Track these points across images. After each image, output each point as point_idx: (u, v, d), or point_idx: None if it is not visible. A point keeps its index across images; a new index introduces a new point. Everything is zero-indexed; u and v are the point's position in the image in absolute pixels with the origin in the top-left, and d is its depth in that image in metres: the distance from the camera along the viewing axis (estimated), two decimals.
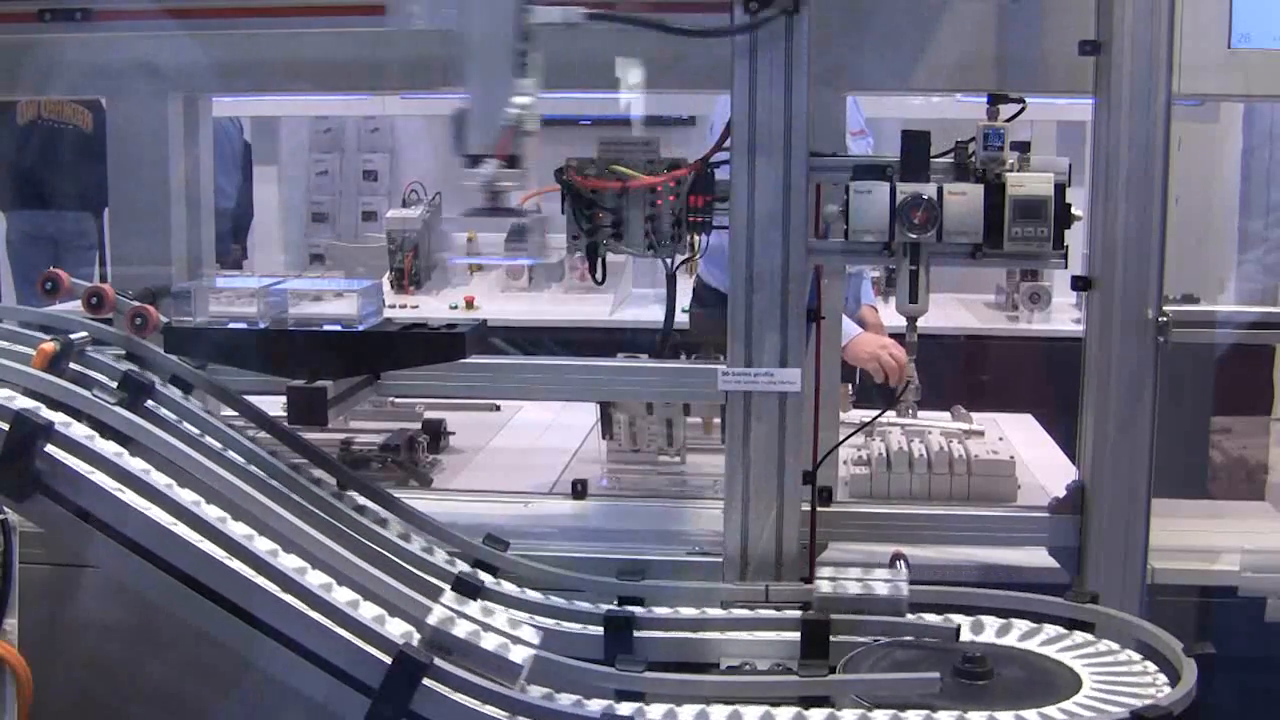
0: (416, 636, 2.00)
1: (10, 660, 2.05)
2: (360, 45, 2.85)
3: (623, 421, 3.16)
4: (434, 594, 2.29)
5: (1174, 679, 2.04)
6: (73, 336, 2.37)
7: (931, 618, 2.28)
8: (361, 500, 2.52)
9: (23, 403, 2.04)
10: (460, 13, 2.27)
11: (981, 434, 3.22)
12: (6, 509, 2.07)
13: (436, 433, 3.43)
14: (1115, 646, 2.20)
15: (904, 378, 3.55)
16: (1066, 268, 2.54)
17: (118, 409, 2.18)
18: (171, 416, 2.37)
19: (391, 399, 3.51)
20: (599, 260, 2.62)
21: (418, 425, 3.44)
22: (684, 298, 3.83)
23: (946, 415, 3.46)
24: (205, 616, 1.97)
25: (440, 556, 2.45)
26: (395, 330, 2.43)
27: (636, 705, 1.97)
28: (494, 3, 2.26)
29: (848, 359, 3.64)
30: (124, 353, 2.49)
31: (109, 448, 2.05)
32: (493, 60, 2.27)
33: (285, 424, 2.56)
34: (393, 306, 2.42)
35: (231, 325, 2.39)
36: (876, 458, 2.98)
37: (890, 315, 3.73)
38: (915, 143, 2.50)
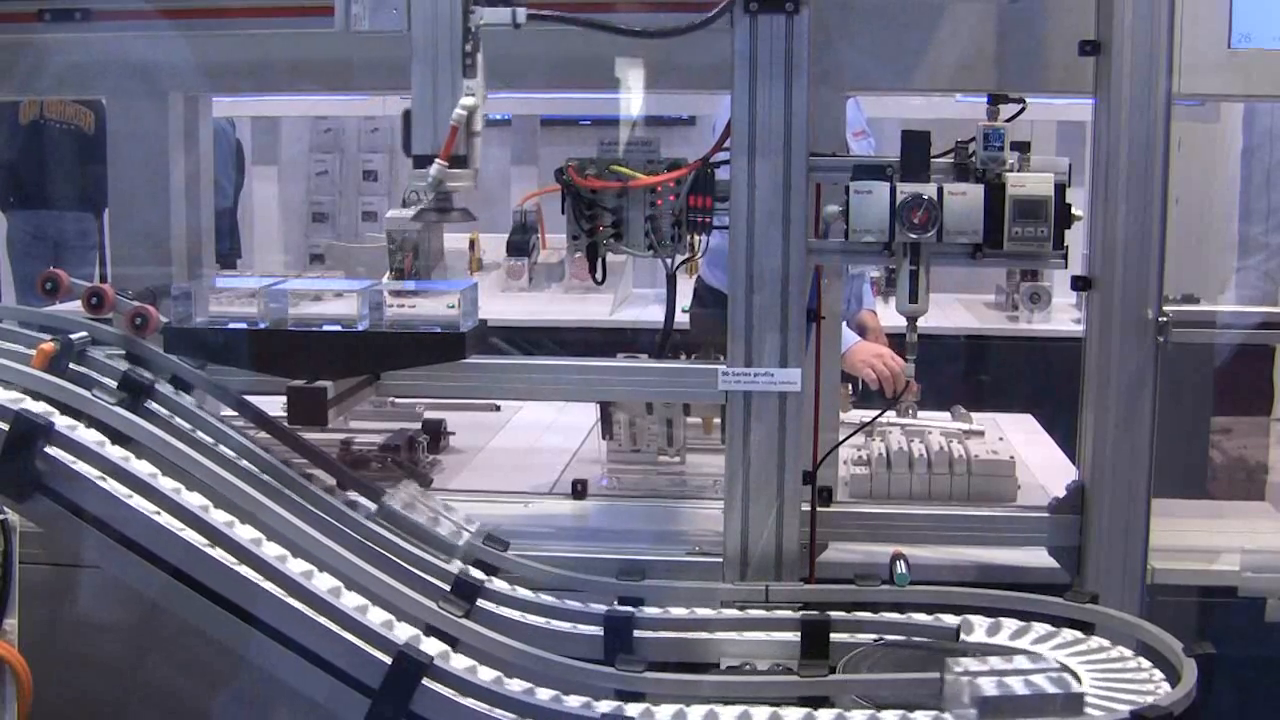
0: (416, 636, 2.00)
1: (10, 660, 2.05)
2: (361, 45, 2.85)
3: (623, 421, 3.16)
4: (434, 594, 2.29)
5: (1174, 679, 2.04)
6: (73, 336, 2.37)
7: (931, 618, 2.28)
8: (361, 500, 2.52)
9: (23, 402, 2.04)
10: (406, 15, 2.30)
11: (981, 434, 3.22)
12: (6, 509, 2.07)
13: (436, 433, 3.43)
14: (1116, 647, 2.20)
15: (901, 386, 3.56)
16: (1066, 268, 2.54)
17: (117, 409, 2.18)
18: (171, 417, 2.37)
19: (391, 399, 3.51)
20: (599, 260, 2.62)
21: (418, 425, 3.44)
22: (684, 298, 3.83)
23: (946, 415, 3.46)
24: (205, 617, 1.97)
25: (440, 557, 2.45)
26: (395, 330, 2.43)
27: (636, 705, 1.97)
28: (438, 4, 2.29)
29: (845, 368, 3.64)
30: (124, 353, 2.49)
31: (108, 448, 2.05)
32: (437, 62, 2.30)
33: (285, 424, 2.56)
34: (390, 306, 2.42)
35: (231, 325, 2.39)
36: (876, 458, 2.98)
37: (890, 315, 3.72)
38: (915, 143, 2.50)
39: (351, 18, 2.33)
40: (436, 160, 2.29)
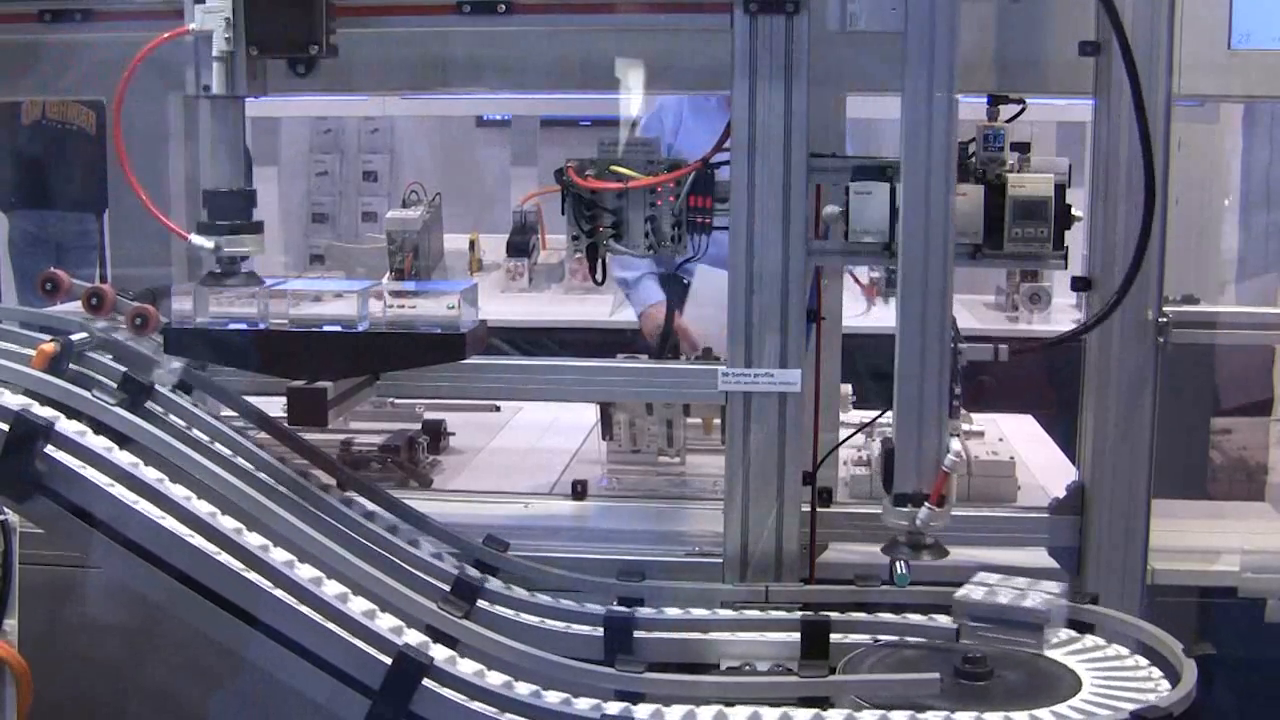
0: (417, 637, 2.00)
1: (10, 660, 2.05)
2: (363, 45, 2.85)
3: (623, 422, 3.16)
4: (434, 594, 2.29)
5: (1174, 680, 2.04)
6: (73, 337, 2.37)
7: (930, 618, 2.28)
8: (361, 501, 2.52)
9: (23, 403, 2.04)
10: (904, 12, 2.29)
11: (981, 434, 3.22)
12: (6, 509, 2.07)
13: (436, 433, 3.43)
14: (1115, 647, 2.20)
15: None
16: (1066, 268, 2.53)
17: (117, 409, 2.18)
18: (171, 417, 2.37)
19: (391, 399, 3.51)
20: (599, 261, 2.62)
21: (418, 426, 3.44)
22: None
23: None
24: (206, 617, 1.97)
25: (440, 557, 2.45)
26: (395, 331, 2.44)
27: (636, 706, 1.97)
28: (928, 349, 2.33)
29: (642, 326, 3.58)
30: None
31: (109, 449, 2.05)
32: (927, 404, 2.32)
33: (285, 424, 2.56)
34: (390, 307, 2.42)
35: (231, 325, 2.39)
36: (876, 458, 2.98)
37: (890, 316, 3.72)
38: None
39: (848, 16, 2.32)
40: (927, 505, 2.30)
